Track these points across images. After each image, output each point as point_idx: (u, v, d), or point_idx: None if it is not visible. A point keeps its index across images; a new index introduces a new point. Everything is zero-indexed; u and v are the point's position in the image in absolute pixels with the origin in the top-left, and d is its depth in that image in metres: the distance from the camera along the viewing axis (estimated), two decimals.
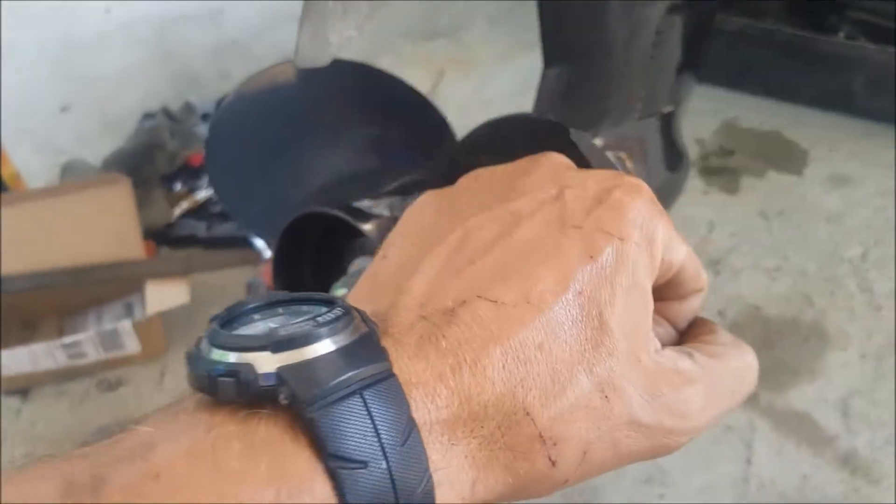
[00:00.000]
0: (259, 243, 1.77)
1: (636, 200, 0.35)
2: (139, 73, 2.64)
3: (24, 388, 1.50)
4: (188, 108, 2.22)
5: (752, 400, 1.49)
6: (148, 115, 2.21)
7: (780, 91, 2.42)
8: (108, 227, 1.60)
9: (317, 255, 0.60)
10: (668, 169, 0.90)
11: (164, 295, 1.50)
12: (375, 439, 0.24)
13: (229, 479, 0.22)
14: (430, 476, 0.25)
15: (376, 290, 0.32)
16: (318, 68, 0.58)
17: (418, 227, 0.36)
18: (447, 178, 0.57)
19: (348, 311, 0.27)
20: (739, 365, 0.37)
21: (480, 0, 3.12)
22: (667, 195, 0.92)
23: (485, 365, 0.27)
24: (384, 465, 0.24)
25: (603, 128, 0.78)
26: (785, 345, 1.61)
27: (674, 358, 0.33)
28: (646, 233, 0.34)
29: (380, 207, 0.57)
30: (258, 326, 0.27)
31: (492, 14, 3.04)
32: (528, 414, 0.28)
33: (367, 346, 0.26)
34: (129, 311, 1.58)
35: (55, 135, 2.31)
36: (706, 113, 2.37)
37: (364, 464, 0.24)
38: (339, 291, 0.53)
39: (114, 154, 1.92)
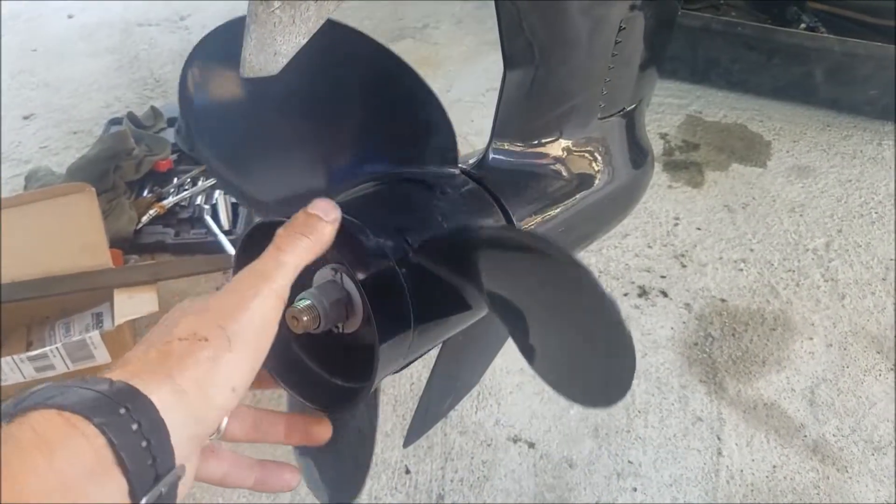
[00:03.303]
0: (229, 248, 1.76)
1: None
2: (103, 80, 2.62)
3: None
4: (154, 113, 2.20)
5: (720, 391, 1.51)
6: (113, 121, 2.19)
7: (743, 84, 2.45)
8: (73, 236, 1.58)
9: None
10: (633, 166, 0.90)
11: (132, 304, 1.49)
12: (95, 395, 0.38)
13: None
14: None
15: None
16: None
17: None
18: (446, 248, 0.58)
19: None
20: None
21: (446, 0, 3.13)
22: (631, 192, 0.93)
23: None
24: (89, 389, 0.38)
25: (566, 129, 0.78)
26: (751, 336, 1.63)
27: None
28: None
29: (365, 230, 0.57)
30: None
31: (457, 13, 3.05)
32: (166, 337, 0.44)
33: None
34: (98, 321, 1.56)
35: (18, 143, 2.28)
36: (670, 107, 2.39)
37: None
38: (304, 302, 0.53)
39: (78, 161, 1.90)
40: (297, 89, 0.66)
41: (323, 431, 0.59)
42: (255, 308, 0.46)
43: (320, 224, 0.52)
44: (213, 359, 0.43)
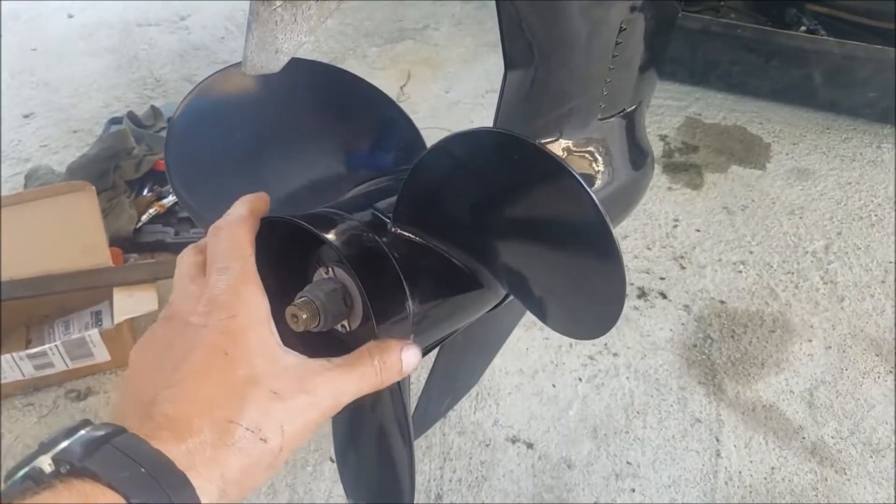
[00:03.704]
0: None
1: None
2: (103, 79, 2.62)
3: None
4: (154, 112, 2.20)
5: (719, 392, 1.51)
6: (113, 121, 2.19)
7: (743, 86, 2.46)
8: (73, 235, 1.58)
9: (281, 263, 0.60)
10: (633, 167, 0.90)
11: (132, 302, 1.49)
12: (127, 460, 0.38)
13: None
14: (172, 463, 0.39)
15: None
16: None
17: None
18: (416, 188, 0.57)
19: (89, 423, 0.40)
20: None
21: (446, 0, 3.13)
22: (631, 194, 0.93)
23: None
24: (143, 470, 0.38)
25: (566, 129, 0.78)
26: (750, 338, 1.63)
27: None
28: None
29: (342, 214, 0.57)
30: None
31: (457, 14, 3.05)
32: (230, 422, 0.42)
33: (98, 429, 0.40)
34: (97, 319, 1.56)
35: (18, 142, 2.28)
36: (669, 109, 2.39)
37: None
38: (302, 301, 0.53)
39: (78, 160, 1.90)
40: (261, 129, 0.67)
41: None
42: (313, 420, 0.46)
43: (396, 372, 0.53)
44: (258, 464, 0.43)
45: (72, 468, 0.37)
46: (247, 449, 0.42)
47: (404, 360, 0.53)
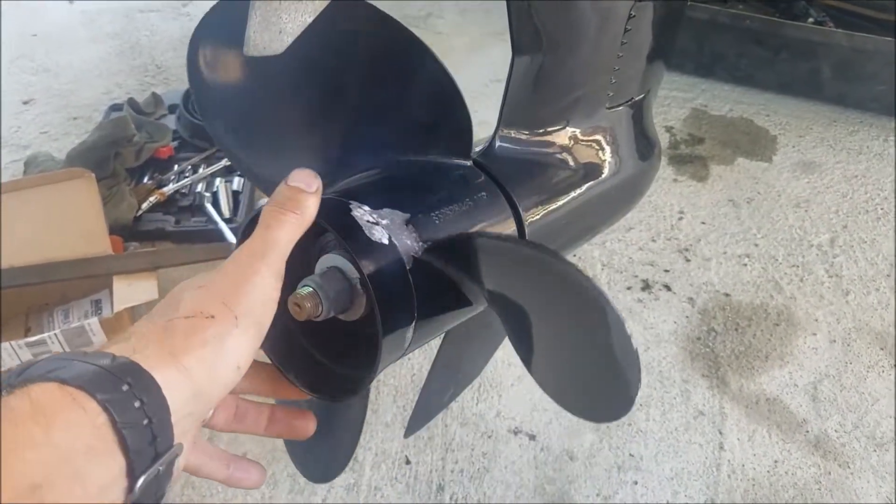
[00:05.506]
0: (230, 237, 1.75)
1: None
2: (104, 65, 2.60)
3: None
4: (155, 99, 2.19)
5: (722, 385, 1.50)
6: (114, 107, 2.18)
7: (750, 78, 2.44)
8: (73, 222, 1.57)
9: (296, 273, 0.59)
10: (640, 157, 0.89)
11: (132, 291, 1.48)
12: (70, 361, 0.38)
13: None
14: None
15: None
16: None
17: None
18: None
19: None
20: None
21: None
22: (638, 184, 0.92)
23: None
24: (78, 361, 0.38)
25: (574, 117, 0.77)
26: (755, 331, 1.62)
27: None
28: None
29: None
30: None
31: (463, 2, 3.03)
32: (169, 320, 0.43)
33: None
34: (96, 307, 1.55)
35: (18, 128, 2.27)
36: (676, 101, 2.38)
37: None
38: (306, 290, 0.52)
39: (78, 147, 1.88)
40: (305, 66, 0.65)
41: (306, 426, 0.59)
42: (256, 284, 0.46)
43: (303, 196, 0.51)
44: (219, 336, 0.43)
45: (11, 386, 0.37)
46: (192, 329, 0.42)
47: (296, 180, 0.52)
